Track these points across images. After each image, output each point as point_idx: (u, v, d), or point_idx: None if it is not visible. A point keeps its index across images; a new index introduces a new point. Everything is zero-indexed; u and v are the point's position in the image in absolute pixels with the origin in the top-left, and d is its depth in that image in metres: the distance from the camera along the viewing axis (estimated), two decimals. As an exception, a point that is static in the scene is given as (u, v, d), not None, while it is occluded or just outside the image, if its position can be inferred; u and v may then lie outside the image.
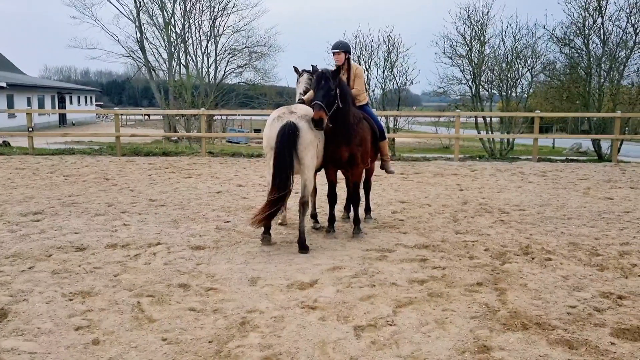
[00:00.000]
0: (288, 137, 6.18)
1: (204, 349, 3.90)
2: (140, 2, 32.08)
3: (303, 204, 6.55)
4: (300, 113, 6.40)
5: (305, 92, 7.37)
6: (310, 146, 6.33)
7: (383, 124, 21.61)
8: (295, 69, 7.82)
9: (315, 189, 7.64)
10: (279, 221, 7.63)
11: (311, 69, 7.21)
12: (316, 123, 6.34)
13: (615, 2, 22.29)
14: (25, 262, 5.86)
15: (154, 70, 33.61)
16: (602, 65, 20.85)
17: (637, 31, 19.98)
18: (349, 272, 5.63)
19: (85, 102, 57.00)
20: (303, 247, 6.44)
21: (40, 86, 44.69)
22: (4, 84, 33.97)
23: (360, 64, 22.13)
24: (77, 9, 37.12)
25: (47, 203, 9.18)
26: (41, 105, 42.61)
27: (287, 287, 5.18)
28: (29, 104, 39.69)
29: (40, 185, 11.15)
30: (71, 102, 51.28)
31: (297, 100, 7.48)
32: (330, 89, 6.49)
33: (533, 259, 6.17)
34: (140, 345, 3.95)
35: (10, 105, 35.88)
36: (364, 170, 7.57)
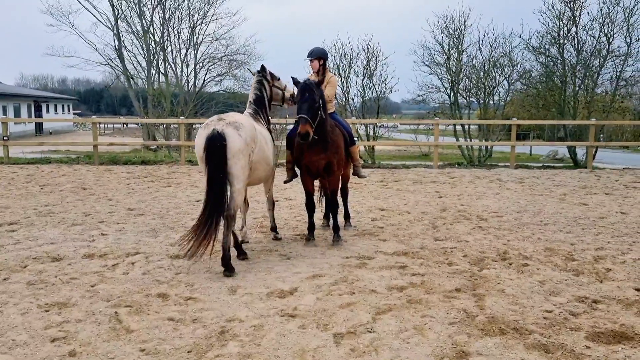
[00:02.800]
0: (214, 146, 5.68)
1: (182, 359, 3.87)
2: (118, 10, 31.86)
3: (227, 218, 5.86)
4: (229, 120, 5.91)
5: (255, 99, 7.01)
6: (239, 155, 5.77)
7: (363, 132, 21.78)
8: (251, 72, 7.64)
9: (247, 203, 7.24)
10: (240, 239, 6.89)
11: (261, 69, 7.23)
12: (303, 137, 6.38)
13: (588, 12, 22.80)
14: (0, 273, 5.76)
15: (132, 79, 33.34)
16: (577, 73, 21.22)
17: (610, 40, 20.40)
18: (328, 280, 5.64)
19: (63, 110, 56.30)
20: (227, 268, 5.78)
21: (16, 94, 44.05)
22: (-22, 93, 33.41)
23: (339, 73, 22.27)
24: (54, 16, 36.66)
25: (22, 213, 9.04)
26: (17, 113, 41.99)
27: (267, 296, 5.17)
28: (5, 112, 39.08)
29: (15, 195, 10.97)
30: (48, 111, 50.61)
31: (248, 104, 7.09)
32: (314, 100, 6.55)
33: (510, 264, 6.25)
34: (118, 356, 3.91)
35: (-15, 113, 35.28)
36: (340, 177, 7.60)
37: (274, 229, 7.49)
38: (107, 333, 4.29)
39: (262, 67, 7.06)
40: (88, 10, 34.45)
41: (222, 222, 5.84)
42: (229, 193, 5.84)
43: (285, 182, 8.01)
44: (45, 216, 8.80)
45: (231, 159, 5.73)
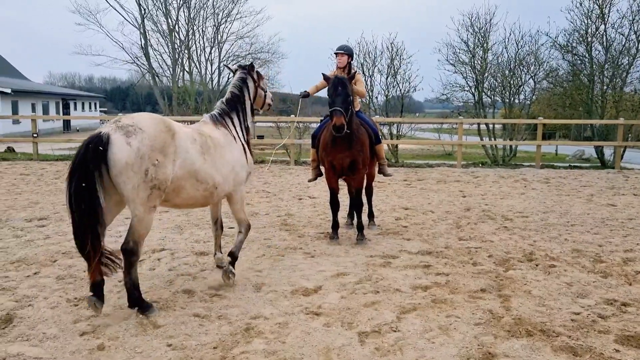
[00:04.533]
0: (85, 153, 4.17)
1: (208, 354, 3.91)
2: (144, 10, 32.24)
3: (125, 252, 4.49)
4: (125, 122, 4.33)
5: (230, 99, 5.67)
6: (128, 172, 4.18)
7: (386, 131, 21.72)
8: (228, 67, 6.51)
9: (221, 226, 5.95)
10: (216, 265, 5.94)
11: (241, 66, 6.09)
12: (338, 129, 6.46)
13: (618, 10, 22.33)
14: (31, 267, 5.89)
15: (157, 77, 33.71)
16: (605, 72, 20.84)
17: (640, 38, 20.00)
18: (353, 279, 5.64)
19: (90, 108, 57.19)
20: (140, 307, 4.59)
21: (45, 92, 44.85)
22: (8, 90, 34.13)
23: (363, 71, 22.21)
24: (82, 15, 37.25)
25: (51, 209, 9.21)
26: (46, 111, 42.76)
27: (291, 294, 5.19)
28: (34, 110, 39.83)
29: (45, 191, 11.19)
30: (75, 108, 51.45)
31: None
32: (347, 94, 6.64)
33: (537, 265, 6.17)
34: (145, 350, 3.96)
35: (15, 111, 36.02)
36: (365, 176, 7.61)
37: (232, 255, 5.51)
38: (134, 328, 4.36)
39: (252, 64, 5.96)
40: (115, 10, 35.00)
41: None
42: (131, 222, 4.43)
43: (309, 180, 8.05)
44: (73, 212, 8.95)
45: (117, 175, 4.19)
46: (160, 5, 31.58)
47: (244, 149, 5.48)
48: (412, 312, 4.74)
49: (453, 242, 7.24)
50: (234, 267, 5.43)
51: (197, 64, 33.11)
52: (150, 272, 5.83)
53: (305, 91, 7.78)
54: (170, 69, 32.83)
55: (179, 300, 4.98)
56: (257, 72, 6.06)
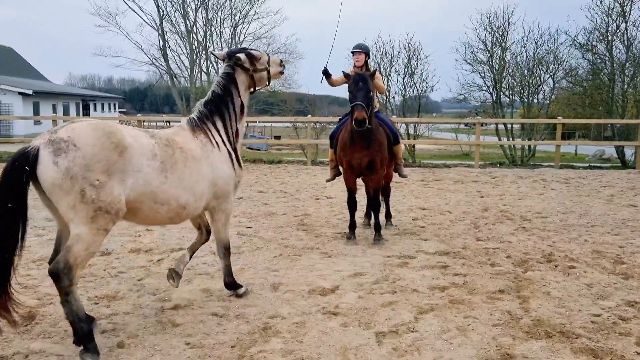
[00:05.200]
0: (11, 177, 3.65)
1: (226, 353, 3.94)
2: (163, 11, 32.54)
3: (51, 275, 3.77)
4: (60, 135, 3.71)
5: (210, 100, 4.89)
6: (59, 192, 3.63)
7: (403, 131, 21.64)
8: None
9: (204, 234, 5.31)
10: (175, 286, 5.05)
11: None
12: (359, 123, 6.48)
13: (639, 7, 22.00)
14: (52, 266, 5.97)
15: (175, 78, 33.98)
16: (626, 71, 20.57)
17: (662, 36, 19.71)
18: (370, 279, 5.64)
19: (109, 108, 57.80)
20: (84, 346, 3.82)
21: (65, 93, 45.45)
22: (30, 92, 34.65)
23: (380, 71, 22.18)
24: (102, 18, 37.65)
25: (72, 208, 9.33)
26: (66, 112, 43.32)
27: (309, 293, 5.20)
28: (54, 110, 40.38)
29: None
30: (95, 109, 52.04)
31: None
32: (369, 90, 6.67)
33: (556, 266, 6.11)
34: (164, 349, 4.00)
35: (36, 112, 36.55)
36: (383, 176, 7.60)
37: (230, 285, 5.11)
38: (153, 326, 4.41)
39: (242, 50, 5.09)
40: (134, 12, 35.47)
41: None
42: (68, 241, 3.75)
43: (327, 180, 8.06)
44: (93, 211, 9.07)
45: (49, 194, 3.72)
46: (178, 6, 31.84)
47: (231, 157, 4.78)
48: (429, 312, 4.72)
49: (471, 243, 7.20)
50: (240, 287, 5.14)
51: (214, 64, 33.28)
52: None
53: (327, 69, 7.64)
54: (188, 70, 33.08)
55: (197, 299, 5.02)
56: (249, 55, 5.04)
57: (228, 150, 4.80)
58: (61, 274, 3.69)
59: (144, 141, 4.06)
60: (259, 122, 38.69)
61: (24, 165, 3.64)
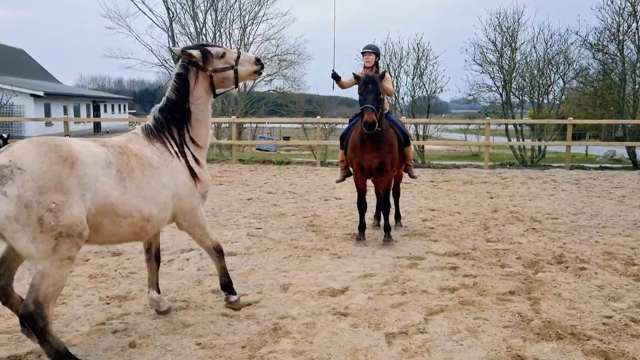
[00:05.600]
0: None
1: (237, 354, 3.96)
2: (173, 13, 32.69)
3: (24, 318, 3.50)
4: (1, 161, 3.30)
5: (165, 107, 4.38)
6: (15, 225, 3.24)
7: (412, 132, 21.60)
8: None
9: (157, 258, 4.75)
10: (152, 308, 4.72)
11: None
12: (369, 126, 6.48)
13: (651, 7, 21.81)
14: (64, 266, 6.02)
15: (185, 79, 34.11)
16: (637, 71, 20.42)
17: (674, 36, 19.55)
18: (379, 280, 5.64)
19: (119, 110, 58.15)
20: None
21: (76, 95, 45.78)
22: (41, 93, 34.95)
23: (389, 72, 22.17)
24: (113, 20, 37.96)
25: (83, 209, 9.40)
26: (77, 113, 43.64)
27: (319, 294, 5.21)
28: (65, 112, 40.68)
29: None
30: (105, 111, 52.38)
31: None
32: (378, 92, 6.68)
33: (567, 268, 6.08)
34: (176, 349, 4.03)
35: (48, 113, 36.84)
36: (393, 177, 7.60)
37: (226, 286, 4.83)
38: (164, 326, 4.44)
39: (195, 47, 4.46)
40: (144, 14, 35.67)
41: None
42: (32, 279, 3.41)
43: (337, 181, 8.08)
44: (104, 212, 9.14)
45: (4, 231, 3.31)
46: (188, 8, 31.98)
47: (190, 168, 4.32)
48: (439, 313, 4.72)
49: (480, 244, 7.18)
50: (234, 294, 4.83)
51: (223, 66, 33.37)
52: (179, 271, 5.92)
53: (336, 72, 7.68)
54: (198, 71, 33.14)
55: (207, 300, 5.04)
56: (205, 52, 4.41)
57: (187, 161, 4.31)
58: (34, 316, 3.38)
59: (95, 150, 3.68)
60: (268, 123, 38.74)
61: None
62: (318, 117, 21.53)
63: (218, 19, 32.38)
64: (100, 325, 4.44)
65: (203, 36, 32.27)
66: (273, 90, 36.39)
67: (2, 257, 3.82)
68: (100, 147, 3.78)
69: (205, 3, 32.14)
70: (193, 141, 4.42)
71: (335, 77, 7.63)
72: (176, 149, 4.30)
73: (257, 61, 4.65)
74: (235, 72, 4.52)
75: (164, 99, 4.42)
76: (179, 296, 5.13)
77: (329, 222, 8.57)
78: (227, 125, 25.63)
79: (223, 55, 4.47)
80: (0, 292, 3.83)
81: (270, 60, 33.74)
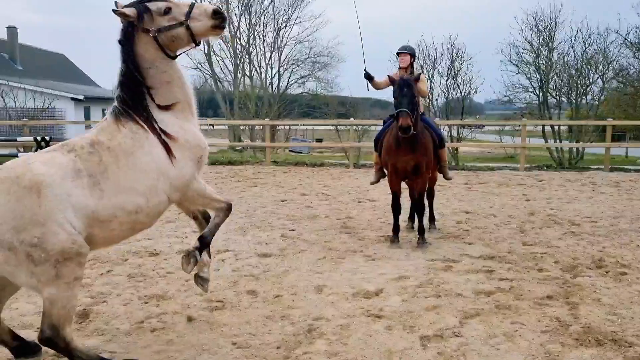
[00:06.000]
0: None
1: (272, 354, 4.00)
2: (207, 16, 33.17)
3: (44, 343, 3.45)
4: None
5: (122, 83, 3.85)
6: (6, 268, 3.24)
7: (446, 134, 21.40)
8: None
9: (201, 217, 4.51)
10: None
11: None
12: (404, 130, 6.47)
13: (694, 4, 21.13)
14: (104, 265, 6.18)
15: (219, 82, 34.63)
16: (681, 70, 19.83)
17: None
18: (414, 282, 5.62)
19: (154, 112, 59.08)
20: None
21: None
22: (81, 97, 35.82)
23: (423, 73, 22.06)
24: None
25: (121, 210, 9.61)
26: (114, 116, 44.44)
27: (353, 296, 5.22)
28: (104, 115, 41.38)
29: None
30: (141, 113, 53.24)
31: None
32: (413, 95, 6.66)
33: (607, 272, 5.95)
34: (212, 348, 4.10)
35: (87, 117, 37.70)
36: (428, 179, 7.56)
37: (201, 239, 4.19)
38: (201, 326, 4.51)
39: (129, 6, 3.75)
40: (180, 17, 36.01)
41: None
42: (43, 307, 3.38)
43: (371, 183, 8.08)
44: (141, 213, 9.33)
45: (2, 274, 3.31)
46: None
47: (163, 141, 3.76)
48: (475, 317, 4.67)
49: (517, 247, 7.08)
50: (200, 254, 4.14)
51: (257, 68, 33.76)
52: (215, 272, 6.00)
53: (368, 72, 7.70)
54: (232, 74, 33.62)
55: (243, 301, 5.11)
56: (141, 9, 3.72)
57: (157, 134, 3.76)
58: (53, 340, 3.36)
59: (60, 161, 3.40)
60: (301, 125, 38.93)
61: None
62: (351, 119, 21.53)
63: (252, 22, 32.74)
64: (139, 323, 4.54)
65: (237, 39, 32.65)
66: (306, 93, 36.57)
67: None
68: (67, 154, 3.48)
69: (240, 7, 32.58)
70: (166, 107, 3.87)
71: (369, 77, 7.64)
72: (147, 124, 3.78)
73: (215, 14, 3.82)
74: (187, 28, 3.79)
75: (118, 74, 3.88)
76: (215, 296, 5.20)
77: (363, 224, 8.57)
78: (261, 127, 25.85)
79: (168, 11, 3.76)
80: None
81: (304, 62, 33.94)
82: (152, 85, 3.83)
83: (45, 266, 3.19)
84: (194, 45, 3.94)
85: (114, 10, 3.71)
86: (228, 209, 4.24)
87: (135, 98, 3.80)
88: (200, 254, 4.13)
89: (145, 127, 3.75)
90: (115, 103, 3.86)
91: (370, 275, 5.86)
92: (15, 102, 23.45)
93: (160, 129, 3.79)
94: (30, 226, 3.16)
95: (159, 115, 3.83)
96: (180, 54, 4.00)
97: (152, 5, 3.74)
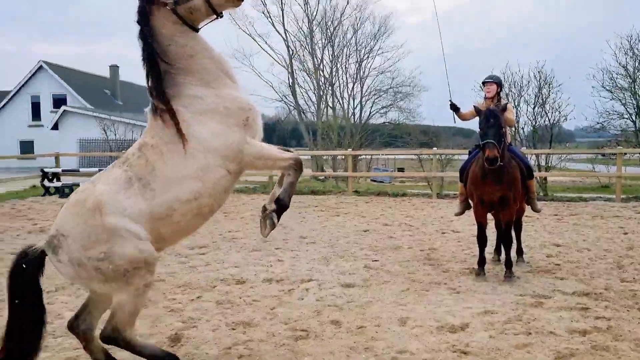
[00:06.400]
0: (21, 281, 3.60)
1: (356, 385, 4.00)
2: (292, 51, 34.30)
3: (104, 340, 3.72)
4: (52, 232, 3.58)
5: (148, 72, 3.77)
6: (79, 281, 3.64)
7: (533, 163, 20.67)
8: None
9: None
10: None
11: None
12: (491, 161, 6.39)
13: None
14: (194, 291, 6.44)
15: (303, 113, 35.47)
16: None
17: None
18: (501, 317, 5.43)
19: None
20: None
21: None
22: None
23: (508, 101, 21.51)
24: (238, 59, 40.36)
25: (210, 237, 10.00)
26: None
27: (437, 329, 5.13)
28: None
29: (203, 221, 12.16)
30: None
31: None
32: (500, 126, 6.57)
33: None
34: (297, 377, 4.15)
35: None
36: (515, 210, 7.33)
37: (278, 202, 3.93)
38: (286, 354, 4.58)
39: None
40: (266, 52, 37.37)
41: None
42: (112, 306, 3.67)
43: (456, 214, 7.95)
44: (229, 241, 9.66)
45: (79, 284, 3.79)
46: (307, 45, 33.35)
47: (177, 124, 3.63)
48: (569, 358, 4.45)
49: (614, 284, 6.68)
50: (279, 217, 3.95)
51: (340, 99, 34.31)
52: (300, 301, 6.10)
53: (454, 103, 7.67)
54: (315, 105, 34.34)
55: (326, 330, 5.14)
56: None
57: (172, 116, 3.66)
58: (115, 339, 3.63)
59: (115, 175, 3.60)
60: (383, 154, 38.93)
61: (28, 274, 3.55)
62: (434, 148, 21.30)
63: (335, 54, 33.43)
64: (227, 349, 4.68)
65: (321, 71, 33.42)
66: (388, 122, 36.65)
67: (85, 303, 3.96)
68: (122, 165, 3.65)
69: (323, 40, 33.39)
70: (196, 80, 3.75)
71: (454, 109, 7.59)
72: (180, 106, 3.69)
73: None
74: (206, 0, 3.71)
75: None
76: (299, 325, 5.27)
77: (447, 256, 8.41)
78: (343, 157, 26.10)
79: None
80: (82, 337, 3.90)
81: (386, 92, 34.13)
82: (174, 61, 3.72)
83: (115, 276, 3.43)
84: (215, 16, 3.82)
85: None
86: (297, 165, 3.90)
87: (159, 80, 3.71)
88: (278, 217, 3.94)
89: (180, 110, 3.67)
90: (149, 98, 3.82)
91: (455, 309, 5.73)
92: (115, 134, 25.10)
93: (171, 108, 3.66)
94: (97, 244, 3.41)
95: (190, 90, 3.72)
96: (202, 27, 3.87)
97: None
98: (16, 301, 3.56)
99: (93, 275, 3.44)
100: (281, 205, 3.90)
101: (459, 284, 6.74)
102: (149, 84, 3.75)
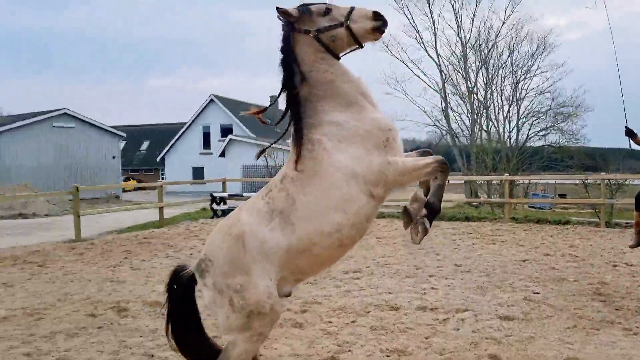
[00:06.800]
0: (175, 295, 3.88)
1: None
2: (445, 75, 33.95)
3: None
4: (202, 255, 3.76)
5: (287, 101, 3.81)
6: (214, 307, 3.62)
7: None
8: None
9: None
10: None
11: None
12: None
13: None
14: (349, 316, 6.57)
15: (456, 137, 34.76)
16: None
17: None
18: (689, 366, 4.82)
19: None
20: None
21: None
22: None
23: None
24: (390, 85, 40.83)
25: (363, 262, 10.14)
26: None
27: (611, 373, 4.69)
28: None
29: (357, 246, 12.36)
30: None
31: None
32: None
33: None
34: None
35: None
36: None
37: (429, 206, 3.66)
38: (442, 386, 4.49)
39: (299, 8, 3.73)
40: (418, 77, 37.35)
41: None
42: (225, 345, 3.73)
43: (630, 246, 7.29)
44: (382, 267, 9.72)
45: (210, 310, 3.80)
46: (460, 69, 32.84)
47: (298, 152, 3.62)
48: None
49: None
50: (431, 222, 3.67)
51: (494, 122, 33.15)
52: (455, 331, 5.94)
53: (630, 129, 7.06)
54: (469, 129, 33.53)
55: (484, 364, 4.95)
56: (303, 9, 3.71)
57: (299, 144, 3.63)
58: None
59: (258, 206, 3.62)
60: (542, 179, 36.71)
61: (182, 293, 3.81)
62: (602, 172, 19.63)
63: (489, 77, 32.49)
64: (382, 376, 4.71)
65: (474, 95, 32.68)
66: (548, 145, 34.57)
67: None
68: (265, 197, 3.65)
69: (477, 63, 32.63)
70: (335, 106, 3.68)
71: (630, 134, 6.98)
72: (317, 136, 3.62)
73: (376, 15, 3.71)
74: (348, 29, 3.68)
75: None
76: (455, 357, 5.14)
77: (620, 292, 7.66)
78: (499, 182, 25.11)
79: (328, 12, 3.71)
80: None
81: (545, 114, 32.36)
82: (315, 88, 3.70)
83: (240, 314, 3.46)
84: (356, 46, 3.80)
85: (277, 8, 3.69)
86: (442, 167, 3.64)
87: (297, 107, 3.69)
88: (430, 222, 3.67)
89: (316, 139, 3.62)
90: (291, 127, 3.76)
91: (633, 352, 5.19)
92: (275, 160, 26.61)
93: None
94: (237, 273, 3.47)
95: (329, 117, 3.66)
96: (343, 55, 3.85)
97: (313, 7, 3.73)
98: (176, 319, 3.84)
99: (225, 305, 3.50)
100: (432, 210, 3.68)
101: (635, 325, 6.11)
102: (291, 113, 3.73)
